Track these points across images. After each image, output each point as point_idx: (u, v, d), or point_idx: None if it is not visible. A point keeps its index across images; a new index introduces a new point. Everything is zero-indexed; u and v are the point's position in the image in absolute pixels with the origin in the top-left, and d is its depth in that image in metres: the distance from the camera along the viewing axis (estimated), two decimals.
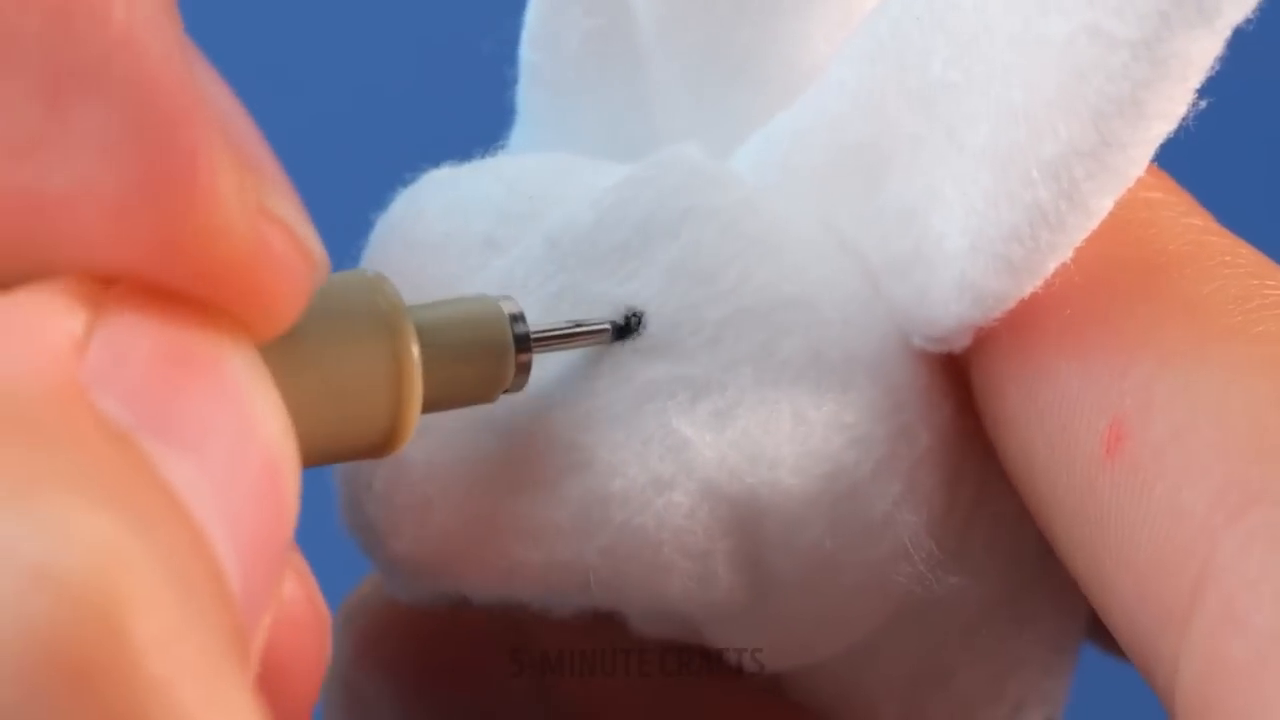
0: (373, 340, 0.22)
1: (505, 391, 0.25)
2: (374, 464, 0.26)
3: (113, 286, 0.20)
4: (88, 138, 0.19)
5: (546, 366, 0.26)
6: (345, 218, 0.28)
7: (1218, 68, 0.23)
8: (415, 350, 0.23)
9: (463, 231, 0.27)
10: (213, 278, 0.20)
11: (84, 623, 0.17)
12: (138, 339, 0.19)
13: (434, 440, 0.26)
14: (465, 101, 0.39)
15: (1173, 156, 0.25)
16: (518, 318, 0.25)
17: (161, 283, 0.20)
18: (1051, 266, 0.24)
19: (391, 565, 0.27)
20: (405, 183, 0.28)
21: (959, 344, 0.26)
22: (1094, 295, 0.25)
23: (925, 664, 0.29)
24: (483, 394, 0.25)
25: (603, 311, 0.26)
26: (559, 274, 0.26)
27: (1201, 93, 0.23)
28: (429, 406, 0.23)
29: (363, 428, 0.23)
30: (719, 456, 0.25)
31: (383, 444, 0.23)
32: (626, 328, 0.25)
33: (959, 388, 0.26)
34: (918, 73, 0.25)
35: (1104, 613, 0.24)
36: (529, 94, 0.30)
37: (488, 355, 0.24)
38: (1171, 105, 0.23)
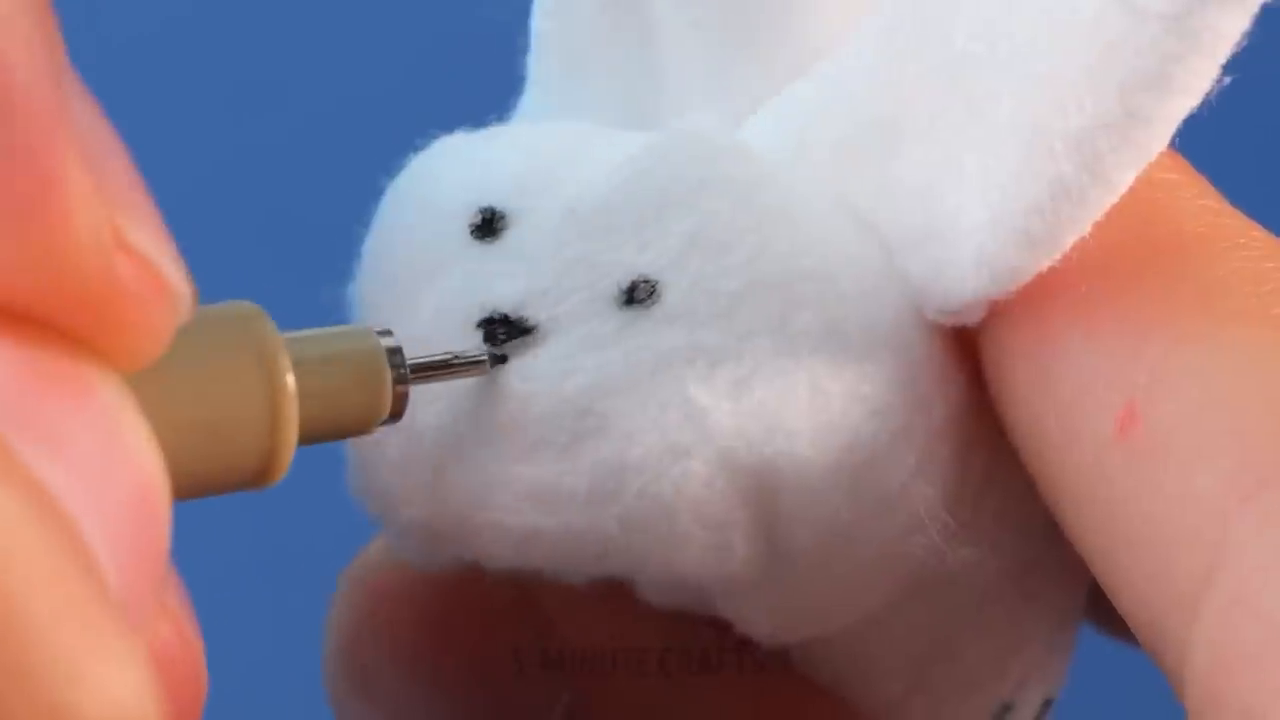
0: (248, 373, 0.23)
1: (383, 423, 0.25)
2: (387, 430, 0.26)
3: None
4: None
5: (560, 334, 0.26)
6: (356, 184, 0.28)
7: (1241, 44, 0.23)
8: (291, 383, 0.23)
9: (477, 198, 0.27)
10: (68, 307, 0.20)
11: None
12: None
13: (446, 407, 0.26)
14: (476, 69, 0.39)
15: (1186, 141, 0.25)
16: (395, 351, 0.25)
17: (20, 309, 0.20)
18: (1070, 241, 0.24)
19: (404, 532, 0.27)
20: (416, 149, 0.28)
21: (973, 318, 0.26)
22: (1109, 274, 0.25)
23: (934, 638, 0.29)
24: (360, 426, 0.25)
25: (618, 277, 0.26)
26: (575, 241, 0.26)
27: (1225, 69, 0.23)
28: (304, 439, 0.24)
29: (238, 460, 0.23)
30: (737, 425, 0.25)
31: (258, 476, 0.23)
32: (501, 359, 0.26)
33: (971, 361, 0.26)
34: (939, 46, 0.25)
35: (1112, 593, 0.24)
36: (540, 62, 0.30)
37: (364, 388, 0.25)
38: (1198, 80, 0.23)
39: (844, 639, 0.28)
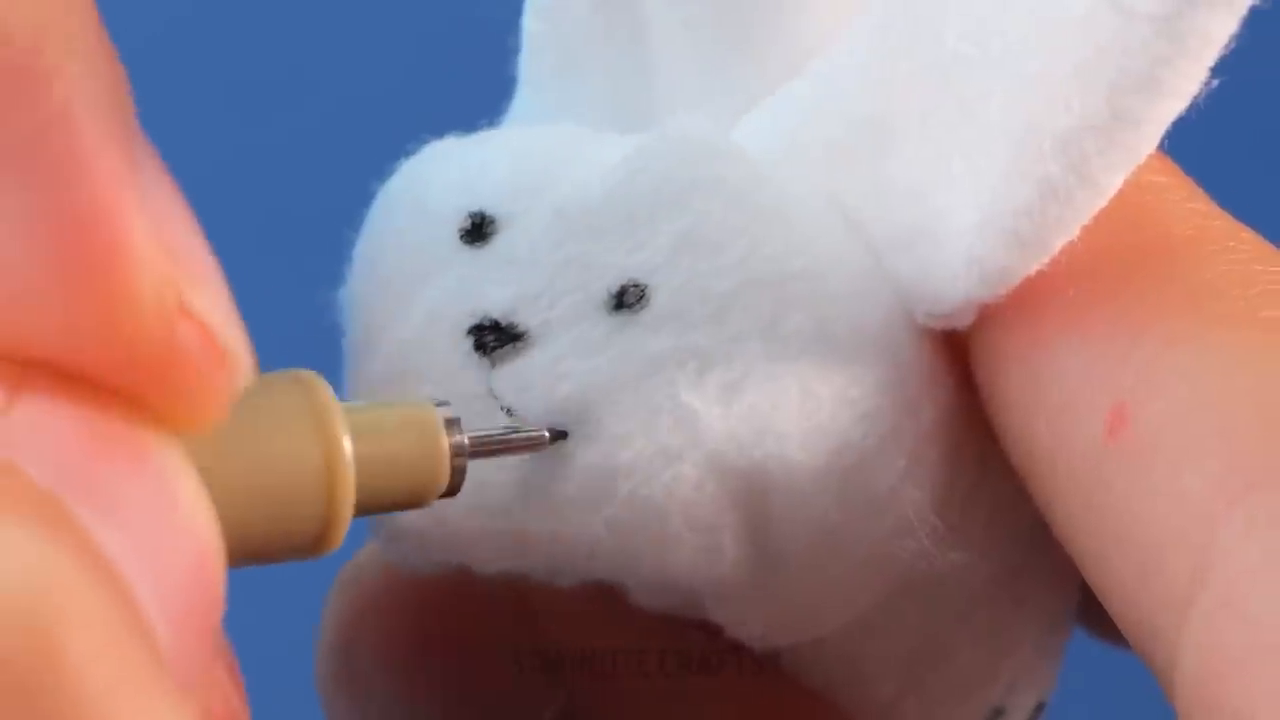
0: (306, 442, 0.22)
1: (441, 496, 0.25)
2: None
3: (32, 370, 0.20)
4: (7, 214, 0.19)
5: (550, 339, 0.26)
6: (347, 188, 0.28)
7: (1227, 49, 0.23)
8: (349, 453, 0.23)
9: (467, 202, 0.27)
10: (129, 371, 0.20)
11: (20, 635, 0.18)
12: (58, 417, 0.19)
13: None
14: (468, 72, 0.39)
15: (1175, 144, 0.25)
16: (453, 423, 0.25)
17: (82, 372, 0.20)
18: (1059, 243, 0.24)
19: (395, 537, 0.27)
20: (407, 153, 0.28)
21: (963, 321, 0.26)
22: (1098, 277, 0.25)
23: (924, 640, 0.29)
24: (417, 499, 0.25)
25: (608, 282, 0.26)
26: (565, 245, 0.26)
27: (1212, 72, 0.23)
28: (360, 510, 0.23)
29: (293, 530, 0.23)
30: (727, 429, 0.25)
31: (313, 546, 0.23)
32: (562, 434, 0.26)
33: (961, 365, 0.26)
34: (930, 46, 0.25)
35: (1103, 596, 0.24)
36: (532, 63, 0.30)
37: (422, 461, 0.24)
38: (1186, 83, 0.23)
39: (835, 642, 0.28)
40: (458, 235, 0.27)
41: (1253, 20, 0.23)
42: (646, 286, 0.26)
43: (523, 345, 0.26)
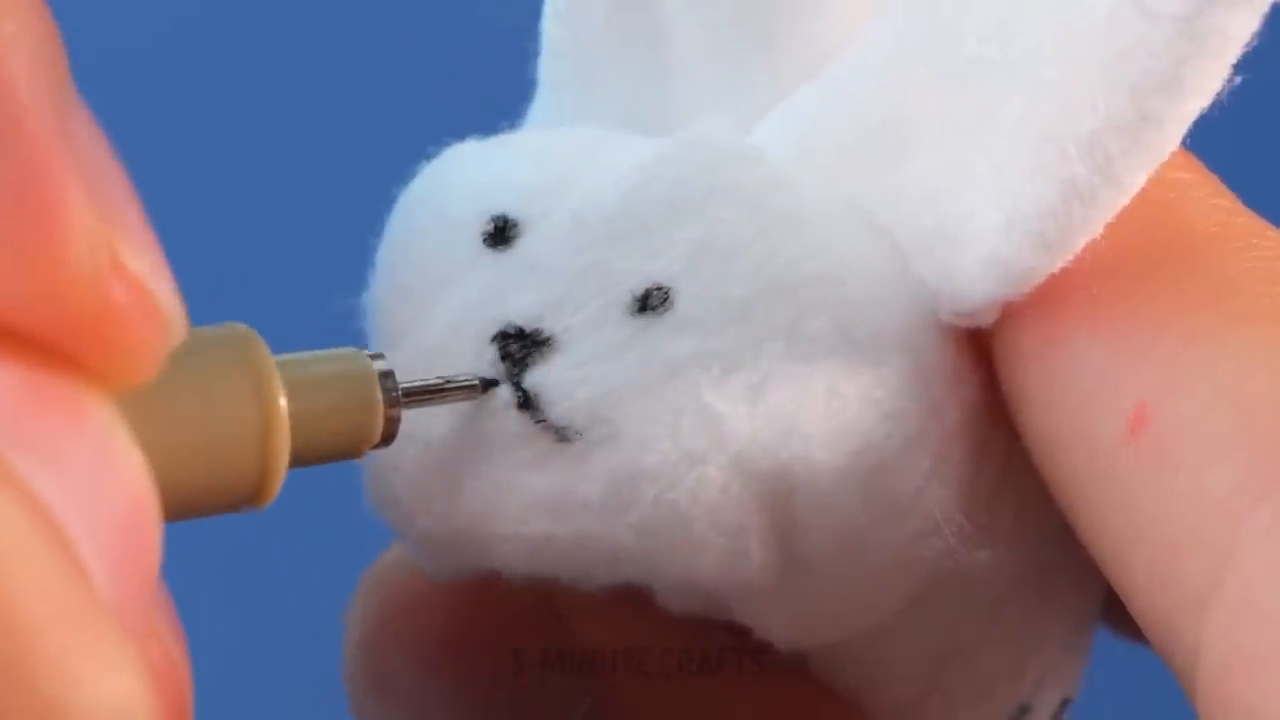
0: (240, 395, 0.23)
1: (374, 447, 0.25)
2: (401, 440, 0.26)
3: None
4: None
5: (573, 344, 0.26)
6: (369, 193, 0.28)
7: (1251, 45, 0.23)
8: (283, 406, 0.23)
9: (489, 206, 0.27)
10: (65, 329, 0.20)
11: None
12: None
13: (460, 416, 0.26)
14: (487, 76, 0.39)
15: (1199, 141, 0.25)
16: (386, 374, 0.25)
17: (19, 330, 0.20)
18: (1082, 242, 0.24)
19: (421, 542, 0.27)
20: (428, 157, 0.28)
21: (986, 320, 0.26)
22: (1120, 274, 0.25)
23: (950, 640, 0.29)
24: (351, 449, 0.25)
25: (631, 285, 0.26)
26: (587, 250, 0.26)
27: (1235, 69, 0.23)
28: (295, 462, 0.24)
29: (229, 482, 0.23)
30: (752, 431, 0.25)
31: (250, 498, 0.23)
32: (494, 383, 0.26)
33: (986, 363, 0.26)
34: (949, 48, 0.25)
35: (1124, 595, 0.24)
36: (551, 67, 0.30)
37: (356, 412, 0.25)
38: (1209, 81, 0.23)
39: (861, 642, 0.28)
40: (480, 239, 0.27)
41: (1276, 17, 0.23)
42: (670, 289, 0.26)
43: (548, 350, 0.26)
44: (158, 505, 0.21)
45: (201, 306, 0.24)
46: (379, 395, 0.25)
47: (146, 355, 0.21)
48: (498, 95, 0.30)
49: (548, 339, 0.26)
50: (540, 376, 0.26)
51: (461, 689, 0.31)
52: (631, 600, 0.28)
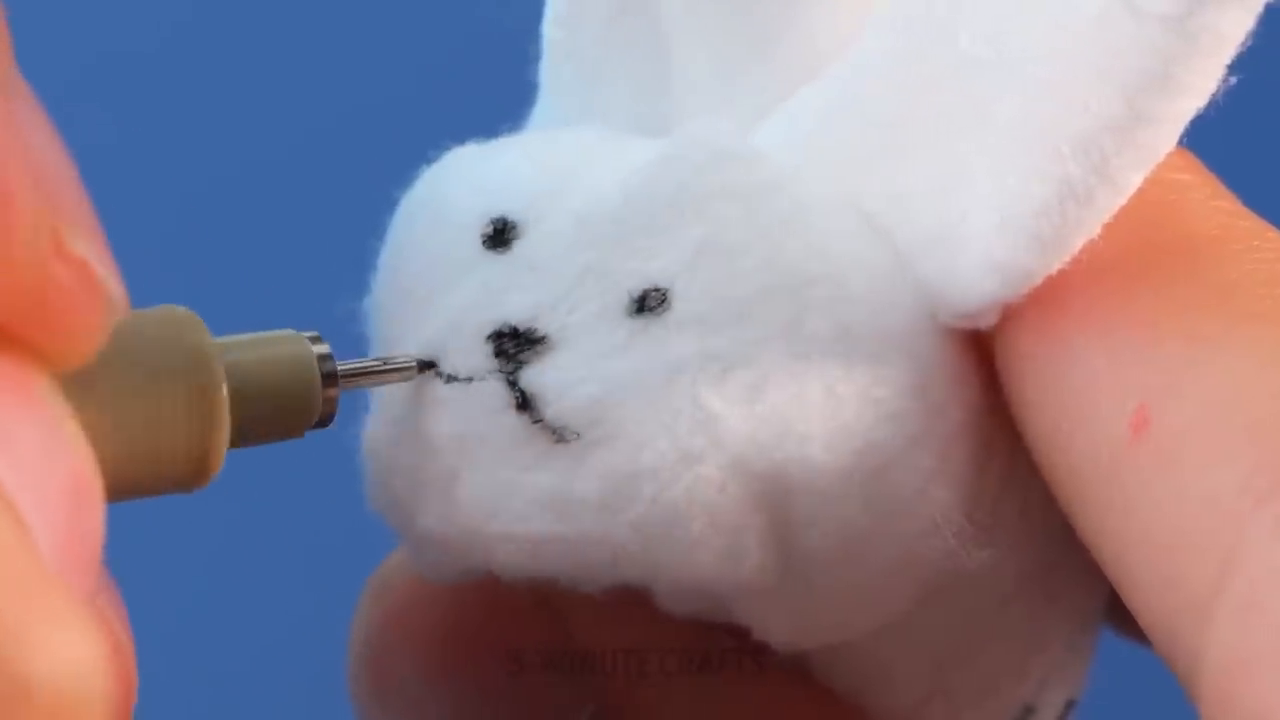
0: (180, 377, 0.23)
1: (313, 427, 0.26)
2: (400, 440, 0.26)
3: None
4: None
5: (571, 343, 0.26)
6: (370, 197, 0.28)
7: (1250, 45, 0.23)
8: (223, 388, 0.23)
9: (489, 208, 0.27)
10: (9, 309, 0.20)
11: None
12: None
13: (459, 415, 0.26)
14: (488, 78, 0.39)
15: (1200, 141, 0.25)
16: (325, 357, 0.26)
17: None
18: (1079, 242, 0.24)
19: (420, 542, 0.27)
20: (429, 161, 0.28)
21: (986, 321, 0.26)
22: (1121, 276, 0.25)
23: (954, 640, 0.29)
24: (291, 429, 0.26)
25: (629, 286, 0.26)
26: (585, 251, 0.26)
27: (1232, 69, 0.23)
28: (236, 442, 0.24)
29: (170, 462, 0.23)
30: (750, 431, 0.25)
31: (190, 479, 0.24)
32: (430, 364, 0.26)
33: (986, 364, 0.26)
34: (945, 49, 0.25)
35: (1127, 596, 0.24)
36: (552, 69, 0.30)
37: (295, 392, 0.25)
38: (1202, 80, 0.23)
39: (863, 644, 0.28)
40: (480, 241, 0.27)
41: (1271, 17, 0.23)
42: (668, 291, 0.26)
43: (543, 349, 0.26)
44: (101, 485, 0.21)
45: (202, 307, 0.24)
46: (317, 376, 0.25)
47: (87, 334, 0.21)
48: (498, 98, 0.30)
49: (543, 338, 0.26)
50: (538, 376, 0.26)
51: (465, 691, 0.31)
52: (631, 601, 0.28)
